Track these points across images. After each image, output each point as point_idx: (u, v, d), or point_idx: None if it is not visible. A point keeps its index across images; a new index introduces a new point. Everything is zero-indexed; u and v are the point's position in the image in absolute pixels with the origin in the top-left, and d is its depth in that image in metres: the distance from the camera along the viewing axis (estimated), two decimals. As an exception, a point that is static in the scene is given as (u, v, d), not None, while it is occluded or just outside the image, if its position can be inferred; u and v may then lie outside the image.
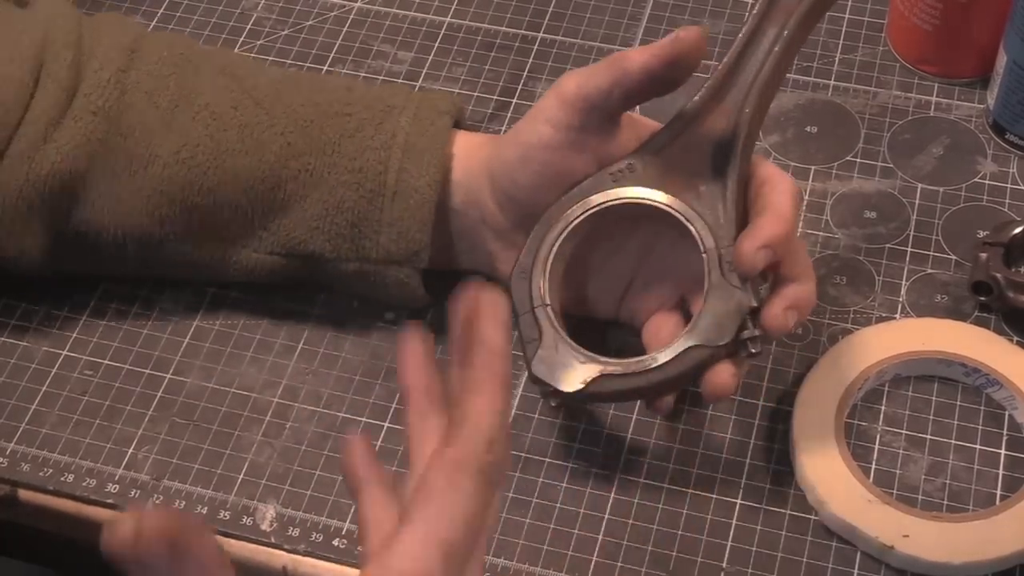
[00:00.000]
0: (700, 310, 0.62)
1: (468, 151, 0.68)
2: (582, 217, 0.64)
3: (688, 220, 0.63)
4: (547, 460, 0.67)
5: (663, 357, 0.61)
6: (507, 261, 0.67)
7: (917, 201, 0.76)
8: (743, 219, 0.63)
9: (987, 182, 0.77)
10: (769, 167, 0.64)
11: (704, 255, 0.62)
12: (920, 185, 0.77)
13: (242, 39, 0.86)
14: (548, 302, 0.63)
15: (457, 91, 0.82)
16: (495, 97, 0.82)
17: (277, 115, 0.68)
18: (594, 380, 0.61)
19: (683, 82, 0.64)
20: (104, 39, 0.69)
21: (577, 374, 0.62)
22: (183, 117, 0.68)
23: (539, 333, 0.63)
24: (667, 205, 0.64)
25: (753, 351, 0.61)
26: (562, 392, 0.62)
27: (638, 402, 0.68)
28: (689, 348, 0.61)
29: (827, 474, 0.64)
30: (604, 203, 0.64)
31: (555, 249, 0.64)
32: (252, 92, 0.69)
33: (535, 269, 0.64)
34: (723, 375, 0.61)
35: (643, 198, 0.64)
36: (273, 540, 0.65)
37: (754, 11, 0.65)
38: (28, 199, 0.67)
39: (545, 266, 0.64)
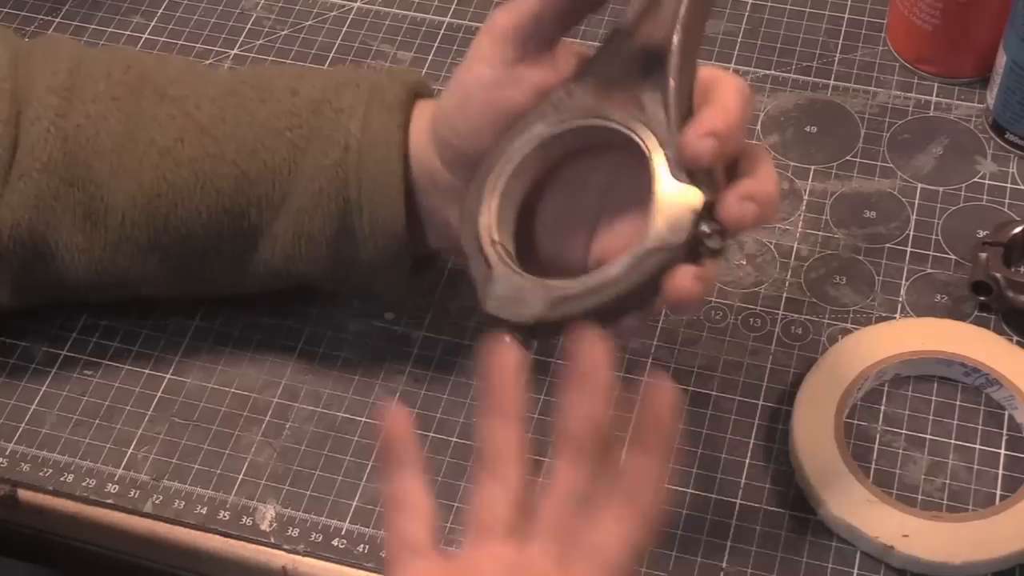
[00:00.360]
0: (650, 216, 0.57)
1: (418, 125, 0.66)
2: (525, 151, 0.61)
3: (630, 129, 0.60)
4: (547, 460, 0.67)
5: (618, 268, 0.57)
6: None
7: (917, 201, 0.76)
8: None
9: (987, 182, 0.77)
10: (713, 70, 0.61)
11: (650, 159, 0.59)
12: (920, 185, 0.77)
13: (242, 39, 0.86)
14: (496, 238, 0.60)
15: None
16: (495, 97, 0.82)
17: (224, 142, 0.65)
18: (551, 306, 0.58)
19: None
20: (38, 79, 0.66)
21: (534, 303, 0.58)
22: (130, 159, 0.66)
23: (489, 270, 0.59)
24: (607, 120, 0.60)
25: (712, 247, 0.57)
26: (520, 325, 0.58)
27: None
28: (644, 253, 0.57)
29: (827, 474, 0.64)
30: (545, 134, 0.61)
31: (500, 186, 0.61)
32: (195, 116, 0.66)
33: (480, 208, 0.61)
34: (684, 279, 0.57)
35: (585, 120, 0.61)
36: (273, 540, 0.65)
37: None
38: None
39: (490, 203, 0.61)
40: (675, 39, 0.59)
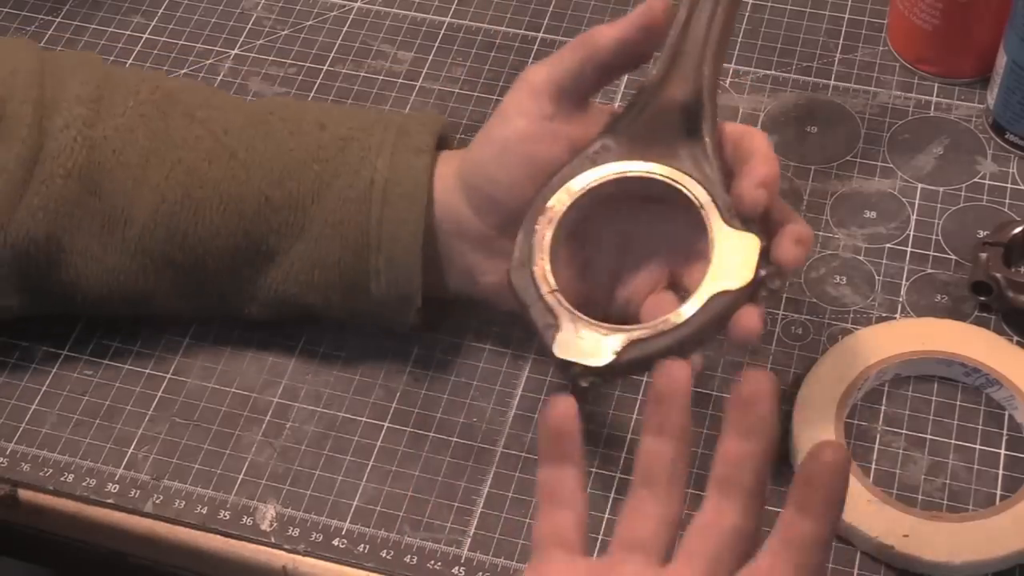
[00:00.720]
0: (712, 260, 0.61)
1: (443, 171, 0.67)
2: (568, 203, 0.64)
3: (675, 181, 0.63)
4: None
5: (688, 311, 0.61)
6: (489, 272, 0.67)
7: (917, 201, 0.76)
8: (728, 176, 0.63)
9: (987, 182, 0.77)
10: (737, 125, 0.65)
11: (701, 210, 0.62)
12: (920, 185, 0.77)
13: (242, 39, 0.86)
14: (555, 287, 0.63)
15: (457, 91, 0.82)
16: (495, 97, 0.82)
17: (252, 167, 0.66)
18: (623, 349, 0.61)
19: (651, 54, 0.64)
20: (66, 91, 0.67)
21: (604, 347, 0.61)
22: (156, 175, 0.66)
23: (555, 317, 0.62)
24: (651, 172, 0.64)
25: (773, 287, 0.61)
26: (593, 368, 0.61)
27: (636, 400, 0.68)
28: (712, 296, 0.61)
29: (827, 474, 0.64)
30: (588, 184, 0.64)
31: (548, 237, 0.64)
32: (224, 140, 0.67)
33: (534, 257, 0.63)
34: (752, 317, 0.61)
35: (626, 171, 0.64)
36: (273, 540, 0.65)
37: None
38: (6, 263, 0.66)
39: (543, 254, 0.63)
40: (706, 97, 0.64)
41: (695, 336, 0.61)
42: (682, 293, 0.64)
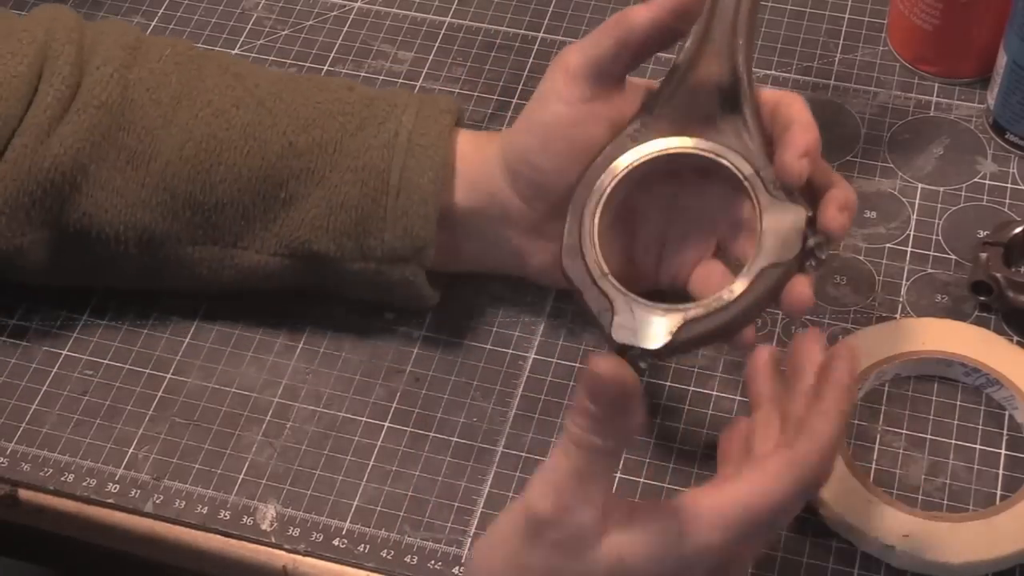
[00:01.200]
0: (759, 235, 0.62)
1: (476, 147, 0.69)
2: (613, 183, 0.65)
3: (718, 155, 0.64)
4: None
5: (739, 286, 0.62)
6: (537, 254, 0.68)
7: (917, 201, 0.76)
8: (768, 144, 0.64)
9: (987, 182, 0.77)
10: (774, 92, 0.65)
11: (745, 182, 0.63)
12: (920, 185, 0.77)
13: (242, 39, 0.86)
14: (606, 270, 0.63)
15: (457, 91, 0.82)
16: (495, 97, 0.82)
17: (279, 114, 0.68)
18: (679, 329, 0.61)
19: (686, 32, 0.65)
20: (106, 38, 0.70)
21: (661, 328, 0.61)
22: (185, 114, 0.68)
23: (609, 302, 0.62)
24: (694, 148, 0.65)
25: (822, 256, 0.62)
26: (651, 350, 0.61)
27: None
28: (762, 270, 0.61)
29: (827, 474, 0.64)
30: (631, 163, 0.65)
31: (596, 220, 0.64)
32: (254, 91, 0.69)
33: (584, 243, 0.64)
34: (803, 287, 0.62)
35: (669, 148, 0.65)
36: (273, 540, 0.65)
37: None
38: (30, 192, 0.67)
39: (593, 238, 0.64)
40: (743, 71, 0.64)
41: (748, 311, 0.62)
42: (730, 262, 0.65)
